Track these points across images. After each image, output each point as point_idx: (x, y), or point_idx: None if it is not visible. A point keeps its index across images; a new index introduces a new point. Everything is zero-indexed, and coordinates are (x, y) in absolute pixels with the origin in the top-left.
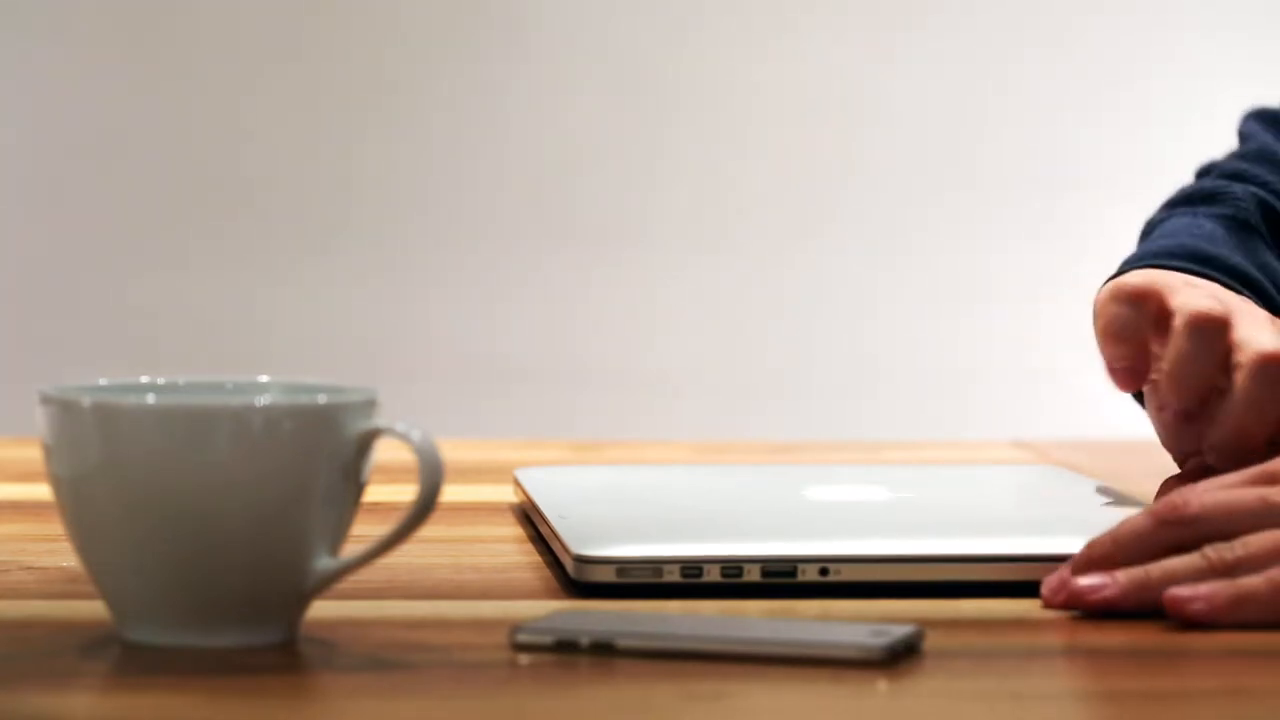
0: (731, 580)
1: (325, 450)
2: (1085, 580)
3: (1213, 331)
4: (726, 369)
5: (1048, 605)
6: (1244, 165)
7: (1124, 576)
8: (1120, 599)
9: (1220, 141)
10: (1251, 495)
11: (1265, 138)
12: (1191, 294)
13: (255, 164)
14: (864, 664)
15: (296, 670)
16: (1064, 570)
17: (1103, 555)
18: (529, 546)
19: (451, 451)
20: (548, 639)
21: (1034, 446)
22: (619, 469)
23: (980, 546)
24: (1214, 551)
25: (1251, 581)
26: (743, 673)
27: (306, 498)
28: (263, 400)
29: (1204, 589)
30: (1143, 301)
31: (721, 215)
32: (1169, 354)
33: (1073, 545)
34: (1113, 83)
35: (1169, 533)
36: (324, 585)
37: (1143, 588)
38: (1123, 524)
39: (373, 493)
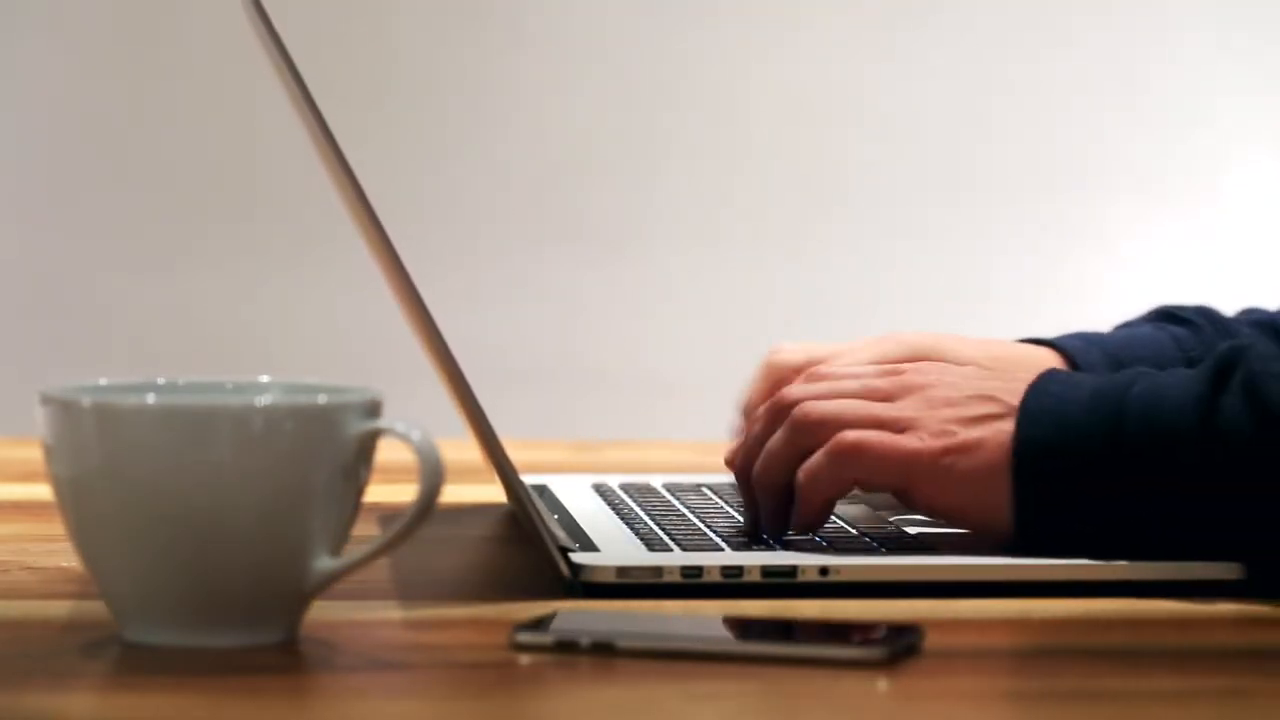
0: (731, 580)
1: (325, 450)
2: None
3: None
4: (726, 369)
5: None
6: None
7: (763, 497)
8: (768, 515)
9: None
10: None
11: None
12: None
13: (255, 164)
14: (864, 664)
15: (296, 670)
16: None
17: (733, 459)
18: (528, 547)
19: (451, 451)
20: (548, 639)
21: None
22: (619, 476)
23: (980, 547)
24: (800, 412)
25: (815, 461)
26: (743, 673)
27: (307, 498)
28: (263, 400)
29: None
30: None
31: (722, 215)
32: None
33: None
34: (1113, 83)
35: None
36: (324, 585)
37: (767, 494)
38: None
39: (373, 493)
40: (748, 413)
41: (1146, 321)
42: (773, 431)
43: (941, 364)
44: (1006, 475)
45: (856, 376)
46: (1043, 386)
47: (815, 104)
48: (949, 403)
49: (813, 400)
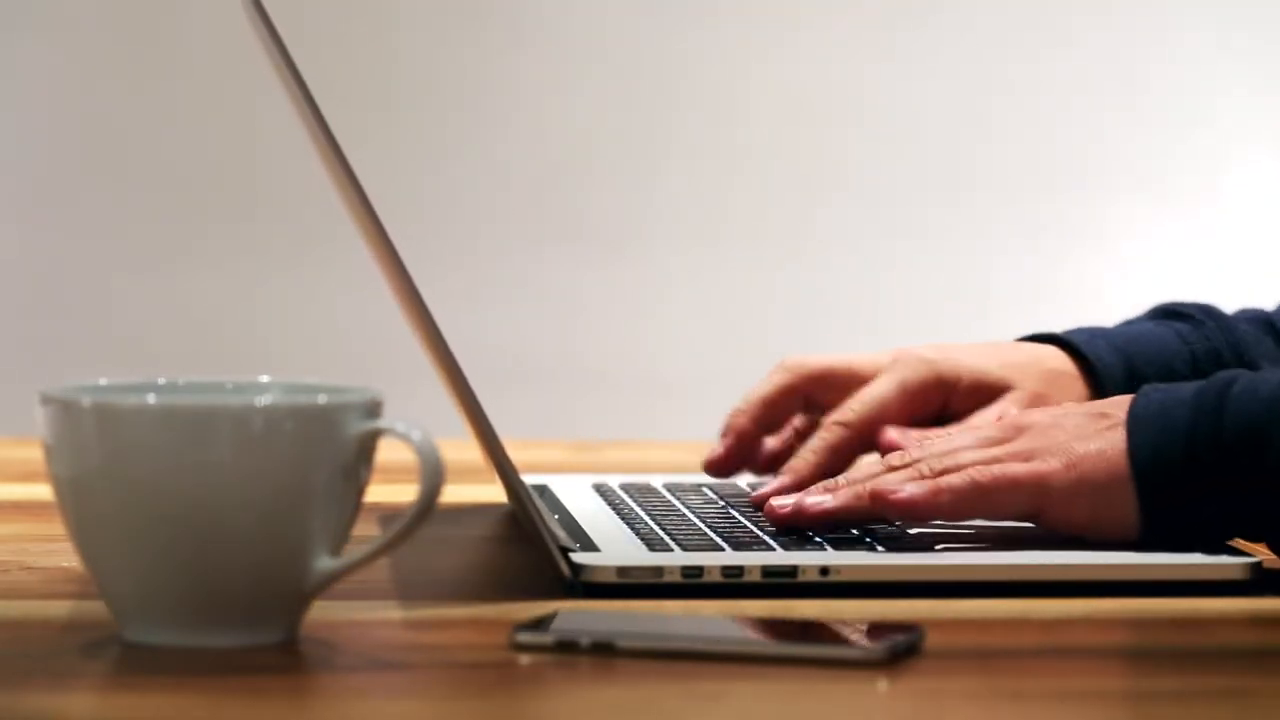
0: (732, 580)
1: (325, 450)
2: (811, 499)
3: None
4: (726, 369)
5: (771, 518)
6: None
7: (845, 491)
8: (838, 508)
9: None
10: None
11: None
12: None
13: (255, 164)
14: (864, 664)
15: (296, 670)
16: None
17: (834, 484)
18: (528, 546)
19: (451, 451)
20: (548, 639)
21: None
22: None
23: (980, 546)
24: (925, 465)
25: (950, 479)
26: (743, 673)
27: (307, 498)
28: (263, 400)
29: (908, 485)
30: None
31: (722, 215)
32: None
33: (1069, 542)
34: (1113, 83)
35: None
36: (324, 585)
37: (857, 496)
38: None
39: (373, 493)
40: (752, 407)
41: (1149, 318)
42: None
43: (1041, 407)
44: (1128, 481)
45: (969, 437)
46: (1146, 393)
47: (815, 104)
48: (1061, 429)
49: (944, 455)
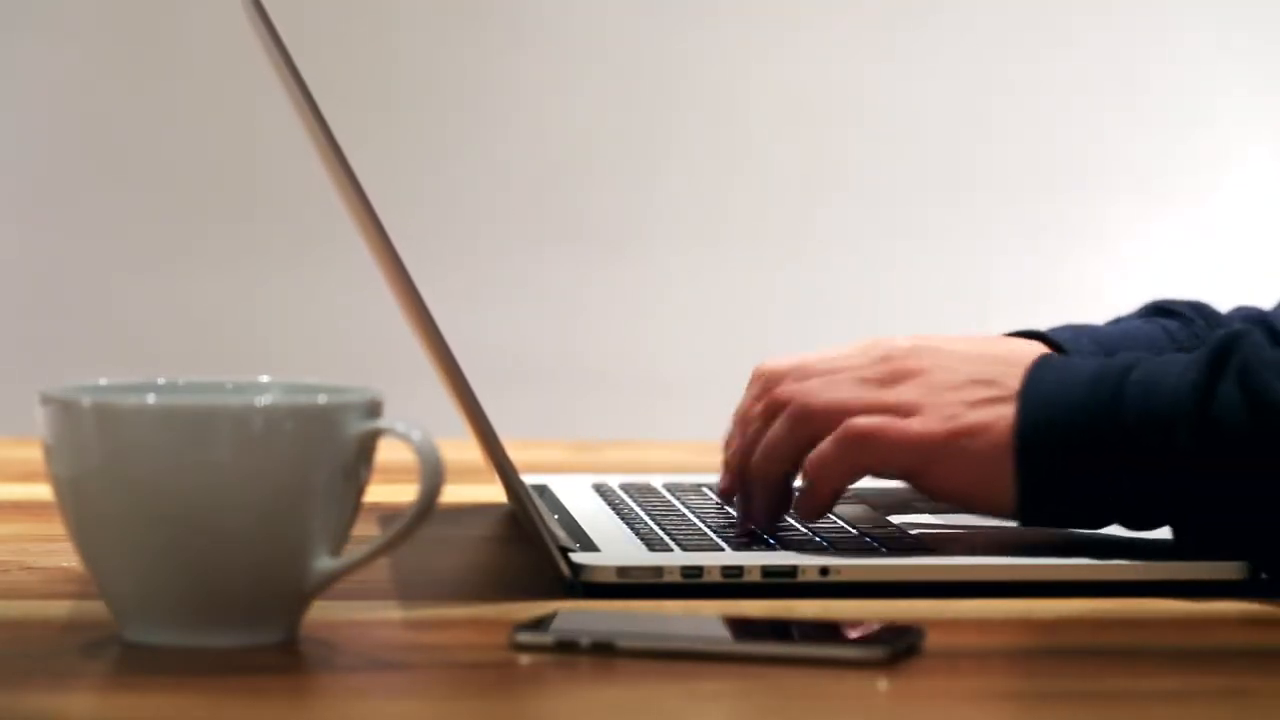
0: (732, 580)
1: (325, 450)
2: (736, 510)
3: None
4: (726, 369)
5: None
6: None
7: (740, 489)
8: (744, 513)
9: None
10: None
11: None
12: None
13: (255, 164)
14: (864, 664)
15: (296, 670)
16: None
17: (730, 462)
18: (528, 546)
19: (451, 451)
20: (548, 639)
21: None
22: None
23: (980, 547)
24: (798, 406)
25: (823, 448)
26: (743, 673)
27: (307, 498)
28: (263, 400)
29: (799, 499)
30: None
31: (722, 215)
32: None
33: (1069, 543)
34: (1113, 83)
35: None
36: (324, 585)
37: (750, 479)
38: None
39: (373, 493)
40: (741, 421)
41: (1139, 316)
42: (768, 427)
43: (933, 348)
44: (1010, 457)
45: (849, 369)
46: (1040, 372)
47: (815, 104)
48: (950, 386)
49: (812, 392)
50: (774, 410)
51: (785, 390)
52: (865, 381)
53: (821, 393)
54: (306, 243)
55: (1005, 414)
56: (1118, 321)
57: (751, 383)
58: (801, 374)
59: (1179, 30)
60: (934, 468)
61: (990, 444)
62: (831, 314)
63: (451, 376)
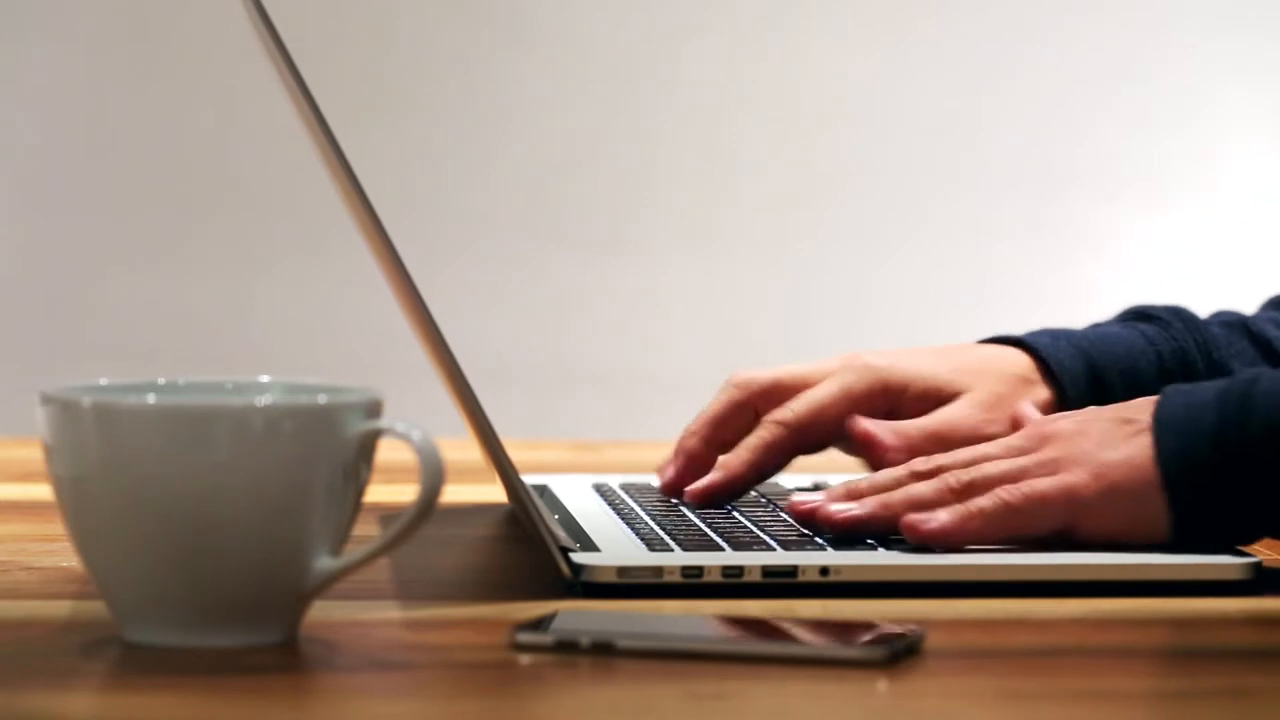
0: (732, 580)
1: (325, 450)
2: (835, 505)
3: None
4: (726, 369)
5: (794, 515)
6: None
7: (871, 500)
8: (866, 518)
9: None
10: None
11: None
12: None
13: (255, 164)
14: (864, 664)
15: (296, 670)
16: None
17: (856, 489)
18: (528, 546)
19: (451, 451)
20: (548, 639)
21: None
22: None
23: (980, 547)
24: (952, 477)
25: (979, 502)
26: (743, 673)
27: (307, 498)
28: (263, 400)
29: (939, 513)
30: None
31: (720, 215)
32: None
33: (1069, 543)
34: (1112, 83)
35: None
36: (324, 585)
37: (886, 506)
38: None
39: (373, 493)
40: (701, 427)
41: (1117, 321)
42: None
43: (1064, 413)
44: (1159, 487)
45: (995, 447)
46: (1169, 396)
47: (815, 104)
48: (1085, 436)
49: (970, 467)
50: (922, 476)
51: (935, 461)
52: (1011, 451)
53: (983, 465)
54: (306, 242)
55: (1145, 445)
56: (1096, 326)
57: (724, 391)
58: (937, 463)
59: (1178, 30)
60: (1088, 518)
61: (1136, 478)
62: (831, 314)
63: (451, 376)
